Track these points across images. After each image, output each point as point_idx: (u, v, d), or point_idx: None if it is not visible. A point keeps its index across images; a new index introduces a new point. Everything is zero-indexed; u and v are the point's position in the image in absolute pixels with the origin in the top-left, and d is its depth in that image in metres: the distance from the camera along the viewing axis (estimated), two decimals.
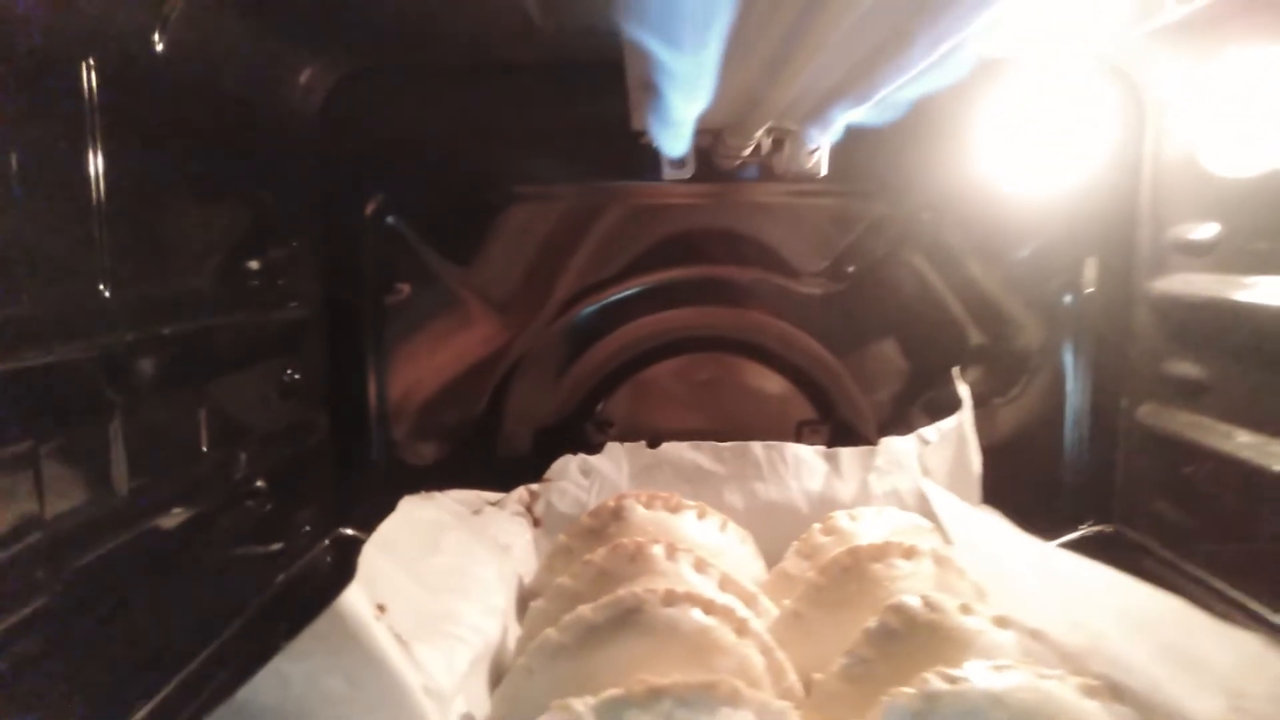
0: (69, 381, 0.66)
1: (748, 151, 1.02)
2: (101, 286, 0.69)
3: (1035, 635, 0.70)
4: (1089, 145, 1.12)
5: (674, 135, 0.82)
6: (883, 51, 0.60)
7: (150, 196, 0.77)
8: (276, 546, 1.05)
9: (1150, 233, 1.11)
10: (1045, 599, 0.78)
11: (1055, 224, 1.16)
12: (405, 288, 1.19)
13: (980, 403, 1.20)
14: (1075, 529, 1.19)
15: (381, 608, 0.64)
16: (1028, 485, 1.20)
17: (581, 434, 1.25)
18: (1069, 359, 1.20)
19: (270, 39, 0.96)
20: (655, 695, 0.59)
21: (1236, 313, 0.94)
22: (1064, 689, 0.59)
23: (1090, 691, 0.60)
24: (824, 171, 1.02)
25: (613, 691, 0.59)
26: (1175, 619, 0.69)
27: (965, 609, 0.70)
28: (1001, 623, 0.70)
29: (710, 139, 1.03)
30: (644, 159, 1.05)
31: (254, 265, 0.99)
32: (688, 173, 1.04)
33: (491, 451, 1.26)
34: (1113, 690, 0.63)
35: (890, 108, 0.77)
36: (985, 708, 0.56)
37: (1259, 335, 0.91)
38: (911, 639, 0.67)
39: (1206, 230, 1.00)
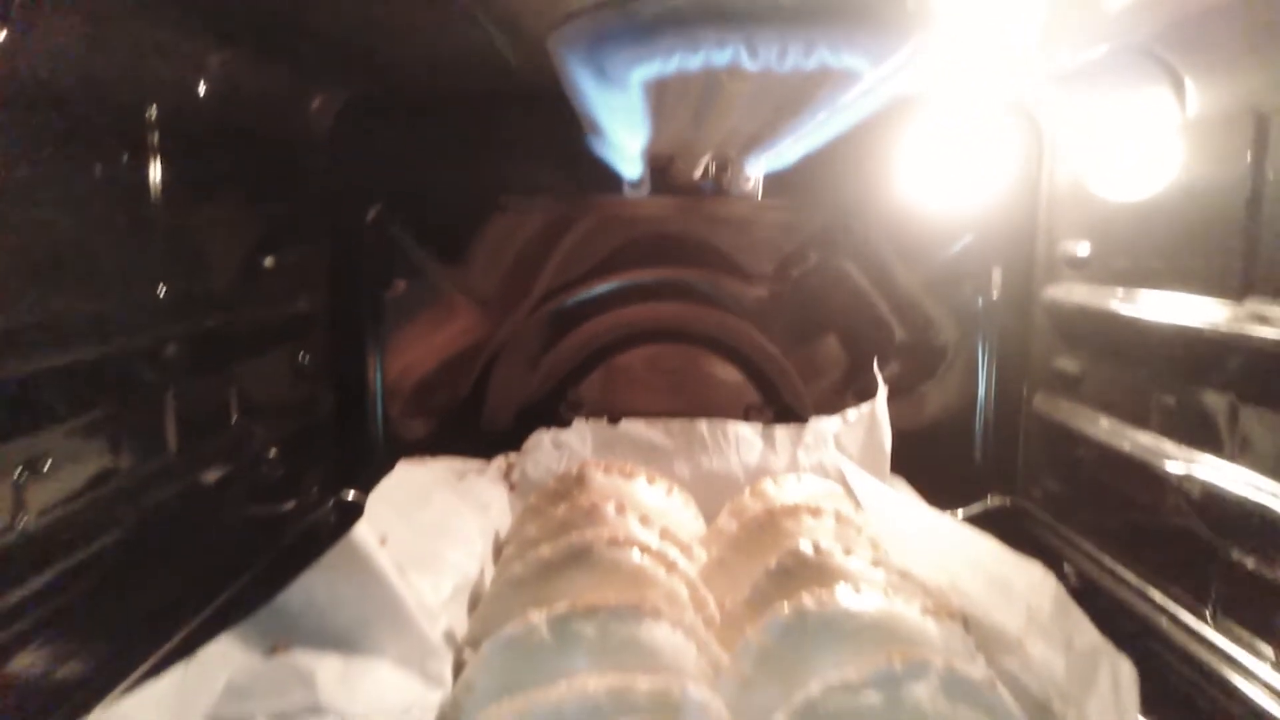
0: (134, 364, 0.83)
1: (697, 174, 1.20)
2: (158, 288, 0.86)
3: (903, 574, 0.88)
4: (996, 170, 1.29)
5: (624, 165, 0.99)
6: (780, 114, 0.78)
7: (192, 211, 0.94)
8: (289, 506, 1.23)
9: (1045, 247, 1.29)
10: (924, 549, 0.95)
11: (967, 237, 1.34)
12: (401, 284, 1.36)
13: (904, 391, 1.39)
14: (982, 500, 1.37)
15: (384, 539, 0.82)
16: (943, 463, 1.38)
17: (556, 414, 1.42)
18: (980, 354, 1.38)
19: (286, 77, 1.13)
20: (594, 609, 0.76)
21: (1100, 317, 1.12)
22: (907, 609, 0.77)
23: (927, 611, 0.78)
24: (760, 195, 1.20)
25: (561, 606, 0.77)
26: (994, 556, 0.87)
27: (847, 553, 0.88)
28: (876, 564, 0.88)
29: (665, 161, 1.21)
30: (611, 176, 1.22)
31: (270, 265, 1.16)
32: (644, 191, 1.22)
33: (476, 428, 1.42)
34: (951, 613, 0.81)
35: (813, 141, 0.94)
36: (841, 619, 0.74)
37: (1114, 337, 1.10)
38: (802, 575, 0.85)
39: (1083, 247, 1.18)
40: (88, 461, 0.75)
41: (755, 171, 1.12)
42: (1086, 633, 0.70)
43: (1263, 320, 0.83)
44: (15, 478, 0.65)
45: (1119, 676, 0.64)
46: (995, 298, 1.35)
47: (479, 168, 1.33)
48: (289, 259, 1.19)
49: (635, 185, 1.18)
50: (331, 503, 1.34)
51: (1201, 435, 0.93)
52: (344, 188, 1.31)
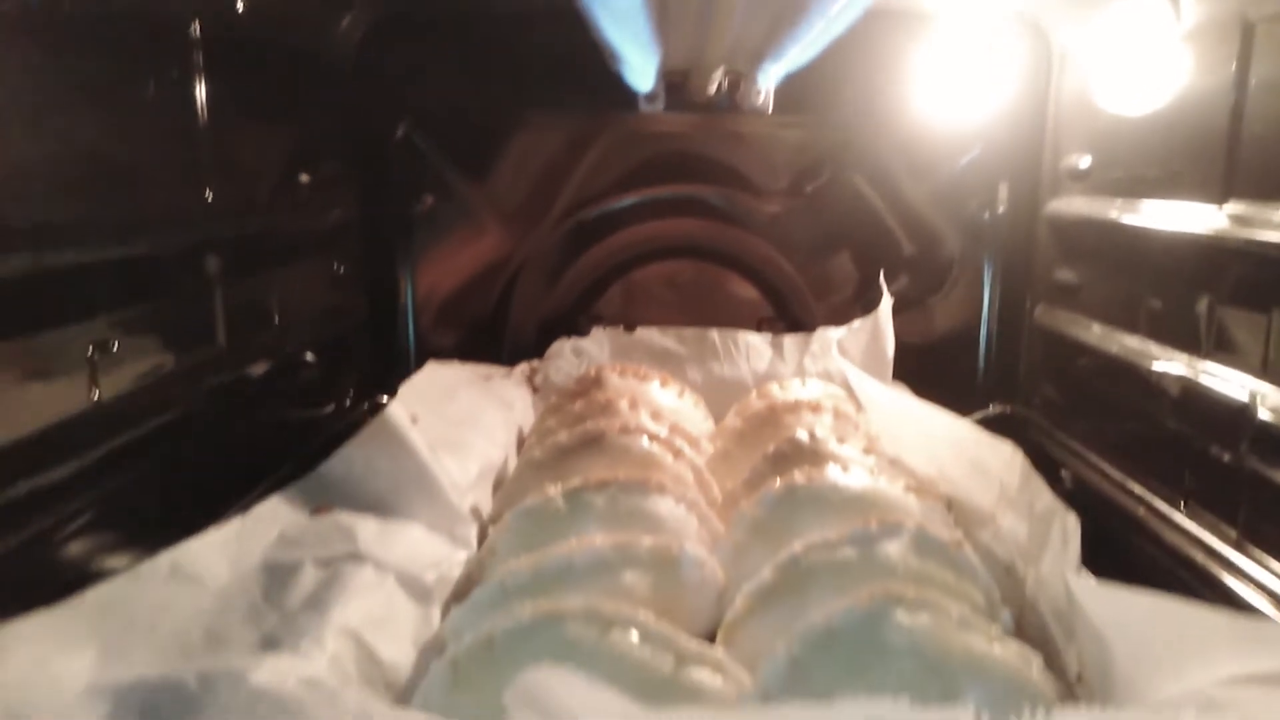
0: (186, 260, 0.91)
1: (712, 89, 1.25)
2: (206, 192, 0.93)
3: (893, 462, 0.95)
4: (1004, 83, 1.32)
5: (638, 76, 1.04)
6: (779, 23, 0.82)
7: (233, 123, 1.00)
8: (327, 409, 1.32)
9: (1051, 160, 1.33)
10: (916, 441, 1.02)
11: (975, 151, 1.38)
12: (429, 199, 1.43)
13: (911, 304, 1.44)
14: (983, 409, 1.43)
15: (415, 418, 0.90)
16: (947, 374, 1.44)
17: (576, 327, 1.48)
18: (985, 267, 1.42)
19: None
20: (604, 484, 0.84)
21: (1097, 227, 1.16)
22: (892, 487, 0.84)
23: (910, 489, 0.85)
24: (770, 109, 1.24)
25: (575, 481, 0.85)
26: (974, 440, 0.94)
27: (841, 441, 0.95)
28: (867, 452, 0.95)
29: (681, 78, 1.26)
30: (630, 93, 1.26)
31: (304, 178, 1.22)
32: (659, 106, 1.27)
33: (501, 341, 1.50)
34: (936, 496, 0.88)
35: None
36: (828, 493, 0.81)
37: (1111, 246, 1.14)
38: (796, 459, 0.92)
39: (1085, 160, 1.21)
40: (150, 346, 0.84)
41: (765, 84, 1.16)
42: (1044, 497, 0.77)
43: (1240, 222, 0.87)
44: (89, 355, 0.74)
45: (1067, 530, 0.71)
46: (1001, 212, 1.39)
47: (504, 85, 1.38)
48: (322, 173, 1.25)
49: (650, 99, 1.22)
50: (366, 406, 1.42)
51: (1182, 336, 0.98)
52: (372, 104, 1.36)
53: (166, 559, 0.66)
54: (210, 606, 0.64)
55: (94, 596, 0.60)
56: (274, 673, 0.52)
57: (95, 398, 0.75)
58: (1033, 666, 0.60)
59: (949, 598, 0.65)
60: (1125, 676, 0.54)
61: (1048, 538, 0.72)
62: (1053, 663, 0.64)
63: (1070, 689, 0.63)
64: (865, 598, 0.61)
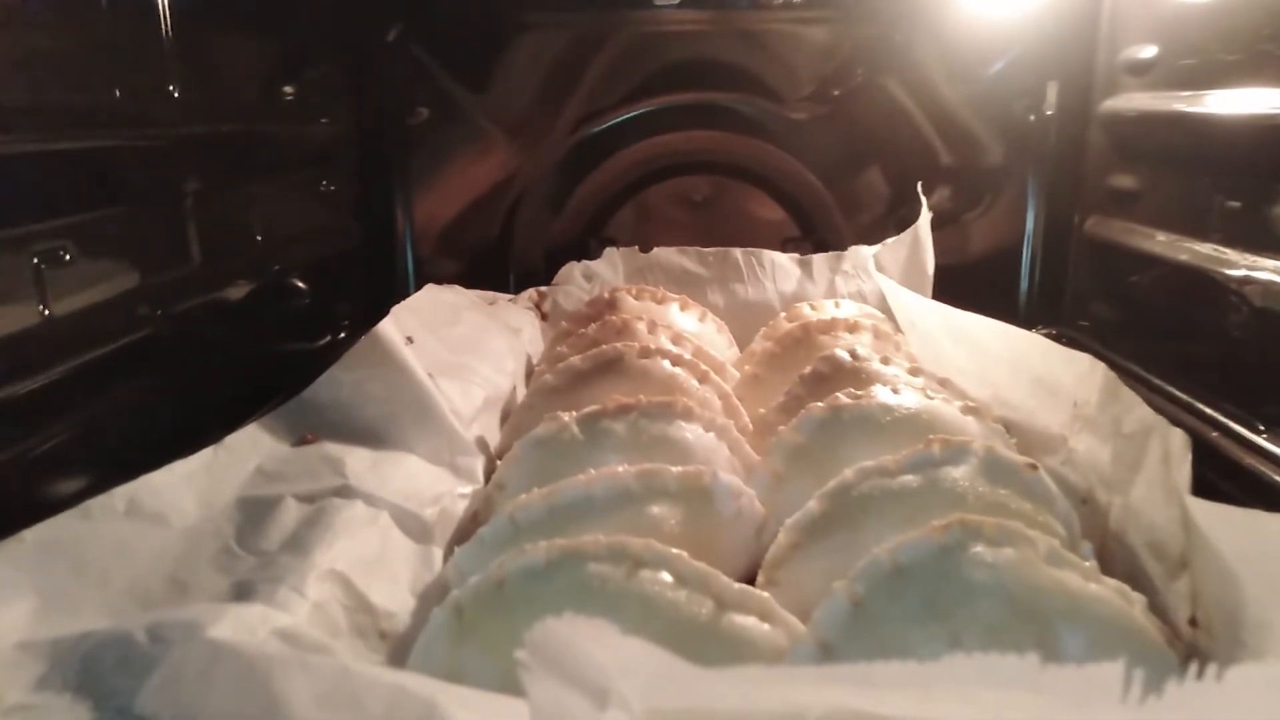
0: (151, 164, 0.81)
1: None
2: (171, 87, 0.83)
3: (944, 383, 0.85)
4: None
5: None
6: None
7: (206, 20, 0.89)
8: (321, 340, 1.22)
9: (1106, 56, 1.20)
10: (967, 362, 0.92)
11: (1021, 48, 1.25)
12: (424, 111, 1.31)
13: (949, 219, 1.33)
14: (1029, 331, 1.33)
15: (410, 339, 0.80)
16: (990, 294, 1.32)
17: (586, 252, 1.38)
18: (1030, 177, 1.31)
19: None
20: (625, 410, 0.75)
21: (1164, 123, 1.05)
22: (947, 407, 0.75)
23: (968, 410, 0.75)
24: None
25: (592, 407, 0.75)
26: (1042, 354, 0.84)
27: (885, 360, 0.85)
28: (915, 372, 0.85)
29: None
30: None
31: (289, 82, 1.12)
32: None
33: (506, 269, 1.40)
34: (995, 418, 0.78)
35: None
36: (877, 414, 0.72)
37: (1179, 143, 1.03)
38: (837, 381, 0.82)
39: (1148, 51, 1.09)
40: (109, 256, 0.74)
41: None
42: (1136, 413, 0.67)
43: None
44: (35, 262, 0.64)
45: (1171, 449, 0.61)
46: (1049, 114, 1.27)
47: None
48: (306, 78, 1.15)
49: None
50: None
51: (1266, 238, 0.87)
52: (363, 5, 1.25)
53: (123, 494, 0.57)
54: (174, 550, 0.55)
55: (33, 537, 0.51)
56: (239, 625, 0.43)
57: (44, 313, 0.65)
58: (1136, 607, 0.51)
59: (1031, 529, 0.56)
60: (1260, 619, 0.45)
61: (1141, 460, 0.63)
62: (1150, 604, 0.55)
63: (1176, 634, 0.54)
64: (938, 529, 0.52)
